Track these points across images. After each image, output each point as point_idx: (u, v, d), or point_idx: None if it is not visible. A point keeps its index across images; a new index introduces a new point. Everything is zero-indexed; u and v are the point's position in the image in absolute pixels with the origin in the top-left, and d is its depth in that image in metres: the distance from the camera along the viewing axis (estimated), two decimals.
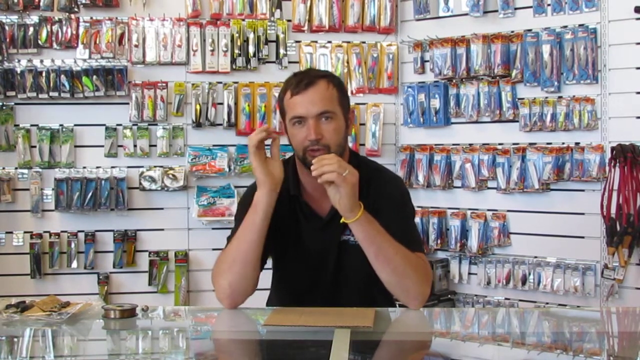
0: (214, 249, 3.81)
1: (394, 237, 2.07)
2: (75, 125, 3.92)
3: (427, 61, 4.04)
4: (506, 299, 3.82)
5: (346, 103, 2.18)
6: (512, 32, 3.76)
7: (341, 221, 2.04)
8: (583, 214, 3.57)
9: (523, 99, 3.71)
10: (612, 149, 3.38)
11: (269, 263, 2.33)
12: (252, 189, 2.25)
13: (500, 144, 3.82)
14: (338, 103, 2.13)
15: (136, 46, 3.91)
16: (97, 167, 3.92)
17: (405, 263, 2.04)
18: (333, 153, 2.06)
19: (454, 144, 3.97)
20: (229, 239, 2.20)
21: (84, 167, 3.91)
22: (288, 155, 2.29)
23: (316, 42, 4.07)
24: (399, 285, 2.06)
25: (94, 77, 3.87)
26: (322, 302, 2.14)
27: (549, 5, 3.64)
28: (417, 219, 4.00)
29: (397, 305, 2.23)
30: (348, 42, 4.08)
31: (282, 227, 2.18)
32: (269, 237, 2.16)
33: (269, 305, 2.34)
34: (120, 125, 3.93)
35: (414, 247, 2.11)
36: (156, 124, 3.96)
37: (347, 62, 4.07)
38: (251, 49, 3.99)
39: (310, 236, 2.20)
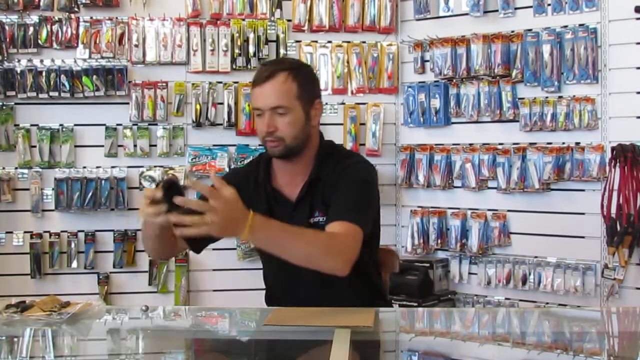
0: (214, 249, 3.78)
1: (337, 206, 2.10)
2: (75, 125, 3.91)
3: (427, 61, 4.03)
4: (506, 299, 3.82)
5: (308, 95, 2.19)
6: (513, 32, 3.76)
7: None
8: (583, 214, 3.56)
9: (523, 98, 3.71)
10: (613, 148, 3.38)
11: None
12: (230, 174, 2.51)
13: (500, 144, 3.81)
14: (296, 97, 2.15)
15: (136, 46, 3.91)
16: (97, 167, 3.91)
17: (309, 246, 2.00)
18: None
19: (454, 144, 3.96)
20: None
21: (84, 167, 3.91)
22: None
23: (316, 42, 4.07)
24: (314, 266, 2.02)
25: (94, 77, 3.87)
26: (311, 288, 2.15)
27: (549, 5, 3.64)
28: (418, 219, 4.01)
29: (398, 305, 2.24)
30: (348, 42, 4.08)
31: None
32: None
33: (266, 300, 2.36)
34: (120, 125, 3.93)
35: (347, 216, 2.08)
36: (156, 124, 3.95)
37: (347, 62, 4.07)
38: (251, 49, 3.98)
39: (283, 220, 2.11)
